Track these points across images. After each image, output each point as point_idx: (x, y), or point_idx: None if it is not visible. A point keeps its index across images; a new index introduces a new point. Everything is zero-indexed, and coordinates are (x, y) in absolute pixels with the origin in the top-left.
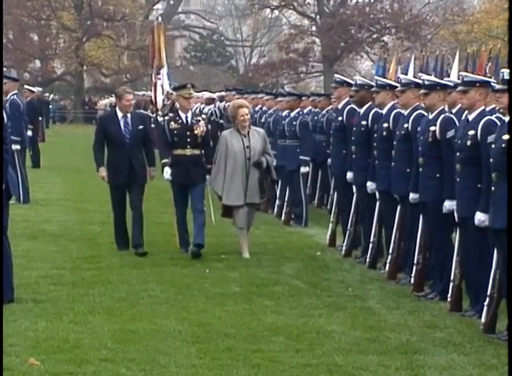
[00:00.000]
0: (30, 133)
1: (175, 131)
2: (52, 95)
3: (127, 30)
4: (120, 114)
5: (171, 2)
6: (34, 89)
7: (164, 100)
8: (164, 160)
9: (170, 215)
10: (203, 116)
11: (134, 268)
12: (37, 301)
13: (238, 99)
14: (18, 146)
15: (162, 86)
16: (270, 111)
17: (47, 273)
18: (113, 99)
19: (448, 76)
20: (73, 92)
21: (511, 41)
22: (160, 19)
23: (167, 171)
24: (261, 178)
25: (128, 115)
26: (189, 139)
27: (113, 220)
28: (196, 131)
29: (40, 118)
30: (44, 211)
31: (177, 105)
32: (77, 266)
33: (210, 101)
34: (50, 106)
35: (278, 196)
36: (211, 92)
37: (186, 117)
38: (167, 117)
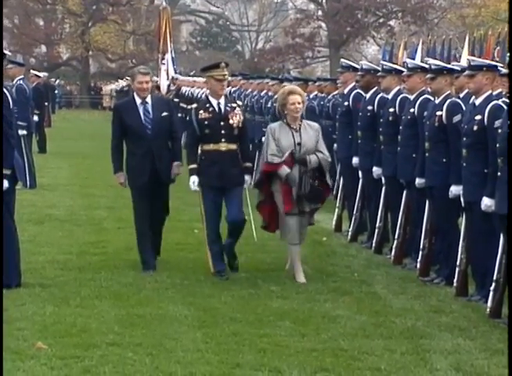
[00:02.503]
0: (36, 118)
1: (206, 122)
2: (58, 81)
3: (132, 15)
4: (138, 101)
5: None
6: (40, 74)
7: (169, 86)
8: (192, 166)
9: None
10: (239, 102)
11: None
12: (44, 286)
13: (244, 84)
14: (24, 132)
15: (167, 71)
16: (276, 96)
17: (54, 258)
18: (121, 84)
19: (456, 60)
20: (79, 78)
21: (511, 29)
22: (165, 3)
23: (194, 181)
24: (302, 176)
25: (148, 101)
26: (223, 131)
27: (136, 232)
28: (231, 121)
29: (46, 103)
30: (50, 196)
31: (204, 90)
32: (84, 251)
33: None
34: (56, 92)
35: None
36: None
37: (219, 104)
38: (194, 105)
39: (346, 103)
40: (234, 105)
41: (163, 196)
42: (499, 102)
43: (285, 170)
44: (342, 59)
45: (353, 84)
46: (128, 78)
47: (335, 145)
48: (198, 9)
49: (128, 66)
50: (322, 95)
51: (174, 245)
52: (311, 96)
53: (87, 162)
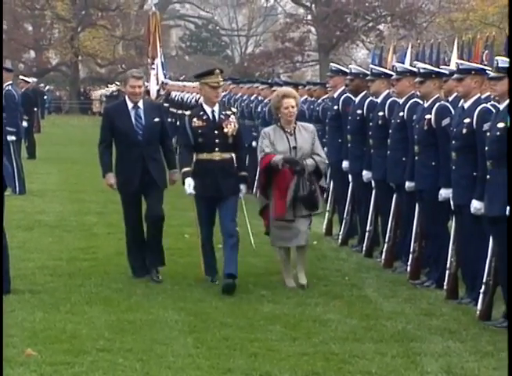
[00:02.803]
0: (25, 124)
1: (200, 131)
2: (47, 86)
3: (122, 20)
4: (130, 105)
5: None
6: (29, 80)
7: (159, 91)
8: (186, 169)
9: (192, 233)
10: (234, 109)
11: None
12: (34, 292)
13: (233, 88)
14: (13, 137)
15: (156, 76)
16: (266, 101)
17: (43, 264)
18: (110, 89)
19: (445, 64)
20: (69, 83)
21: (511, 31)
22: (154, 8)
23: (190, 184)
24: (300, 180)
25: (140, 105)
26: (217, 140)
27: (126, 238)
28: (226, 130)
29: (35, 109)
30: (40, 202)
31: (194, 95)
32: (74, 257)
33: None
34: (45, 97)
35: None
36: None
37: (213, 112)
38: (188, 113)
39: (336, 107)
40: (229, 112)
41: (157, 200)
42: (488, 105)
43: (278, 157)
44: (332, 64)
45: (343, 88)
46: (118, 83)
47: (325, 149)
48: (187, 14)
49: (118, 71)
50: (312, 99)
51: (165, 250)
52: (301, 100)
53: (76, 168)
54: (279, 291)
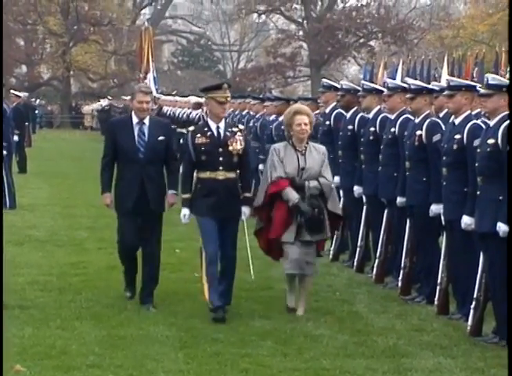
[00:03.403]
0: (16, 138)
1: (203, 148)
2: (38, 101)
3: (114, 35)
4: (135, 120)
5: (158, 7)
6: (21, 94)
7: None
8: (185, 196)
9: (183, 248)
10: (241, 126)
11: (122, 273)
12: (24, 308)
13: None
14: (4, 152)
15: None
16: (257, 116)
17: (34, 279)
18: (102, 103)
19: (436, 80)
20: (60, 97)
21: (511, 42)
22: (147, 23)
23: (185, 214)
24: (313, 209)
25: (146, 122)
26: (221, 158)
27: (120, 259)
28: (231, 148)
29: (26, 123)
30: (30, 217)
31: (206, 110)
32: (64, 272)
33: (197, 106)
34: (36, 111)
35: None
36: (199, 96)
37: (218, 129)
38: (191, 129)
39: (327, 123)
40: (235, 129)
41: (154, 231)
42: (478, 121)
43: (292, 193)
44: (323, 79)
45: (334, 103)
46: (110, 98)
47: None
48: (180, 29)
49: (110, 85)
50: None
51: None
52: None
53: (68, 182)
54: (271, 306)
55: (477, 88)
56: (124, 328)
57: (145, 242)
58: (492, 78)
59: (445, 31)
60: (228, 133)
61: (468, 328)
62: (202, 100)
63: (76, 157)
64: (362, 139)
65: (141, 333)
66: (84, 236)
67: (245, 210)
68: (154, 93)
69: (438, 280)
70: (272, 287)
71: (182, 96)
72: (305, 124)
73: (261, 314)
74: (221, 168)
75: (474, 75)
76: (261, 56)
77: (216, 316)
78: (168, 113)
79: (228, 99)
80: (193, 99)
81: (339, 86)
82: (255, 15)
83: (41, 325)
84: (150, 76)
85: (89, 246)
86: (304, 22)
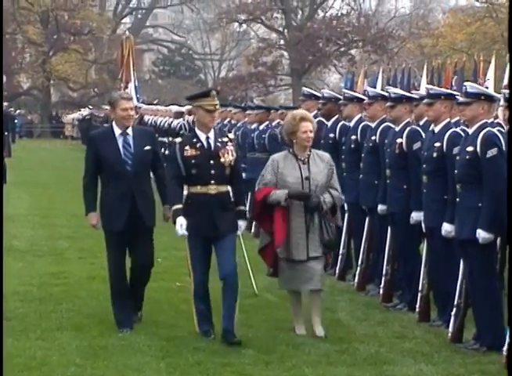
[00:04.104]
0: None
1: (193, 160)
2: (18, 110)
3: (94, 44)
4: (117, 131)
5: (139, 16)
6: None
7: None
8: (177, 207)
9: (165, 257)
10: (231, 135)
11: (102, 283)
12: (4, 319)
13: None
14: None
15: None
16: (239, 124)
17: (14, 290)
18: (83, 112)
19: (415, 89)
20: (40, 107)
21: (511, 48)
22: (127, 33)
23: (182, 224)
24: (321, 221)
25: (129, 132)
26: (213, 171)
27: (110, 285)
28: (222, 160)
29: (6, 133)
30: (11, 227)
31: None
32: (45, 282)
33: (178, 115)
34: (16, 121)
35: (248, 208)
36: (180, 105)
37: (208, 139)
38: (178, 140)
39: None
40: (225, 139)
41: (146, 244)
42: (458, 129)
43: (281, 192)
44: (304, 88)
45: (315, 112)
46: (91, 107)
47: None
48: (160, 38)
49: (90, 95)
50: None
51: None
52: (273, 124)
53: (48, 192)
54: (253, 314)
55: (456, 97)
56: (106, 338)
57: (137, 261)
58: (470, 87)
59: (425, 40)
60: (218, 144)
61: (449, 335)
62: (183, 109)
63: (56, 166)
64: (343, 148)
65: (122, 343)
66: (65, 245)
67: (241, 224)
68: (135, 102)
69: (419, 287)
70: (255, 296)
71: (163, 105)
72: (310, 131)
73: (243, 323)
74: (212, 181)
75: (453, 84)
76: (243, 65)
77: (207, 337)
78: (150, 122)
79: (217, 106)
80: (174, 108)
81: (319, 95)
82: (236, 24)
83: (21, 336)
84: (131, 85)
85: (70, 256)
86: (285, 31)
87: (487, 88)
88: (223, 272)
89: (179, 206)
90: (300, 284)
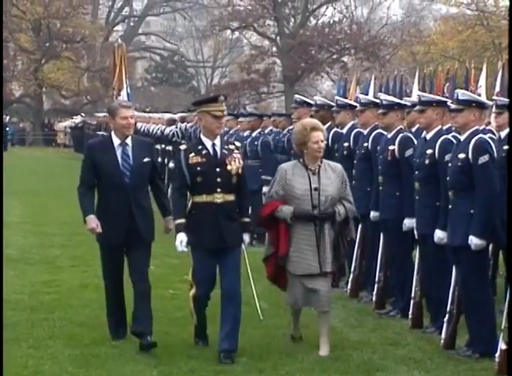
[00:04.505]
0: None
1: (199, 168)
2: (9, 118)
3: (87, 52)
4: (116, 141)
5: (131, 24)
6: None
7: None
8: (179, 221)
9: (157, 265)
10: (237, 143)
11: (95, 291)
12: None
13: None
14: None
15: None
16: (231, 131)
17: (5, 298)
18: (76, 120)
19: (407, 96)
20: (32, 115)
21: (511, 52)
22: (120, 40)
23: (182, 240)
24: (336, 236)
25: (129, 142)
26: (219, 179)
27: (106, 296)
28: (229, 167)
29: None
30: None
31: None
32: (37, 291)
33: (171, 122)
34: (7, 129)
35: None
36: (173, 113)
37: (214, 146)
38: (183, 147)
39: None
40: (231, 147)
41: (145, 260)
42: (449, 136)
43: (287, 208)
44: (296, 95)
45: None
46: (83, 115)
47: None
48: (153, 46)
49: (83, 102)
50: (277, 130)
51: (130, 283)
52: (266, 131)
53: (40, 200)
54: (246, 322)
55: (448, 104)
56: (98, 346)
57: (135, 276)
58: (461, 94)
59: (417, 47)
60: (225, 151)
61: (442, 341)
62: (176, 117)
63: (48, 174)
64: (336, 154)
65: (115, 351)
66: (57, 253)
67: (245, 237)
68: None
69: (412, 294)
70: (248, 303)
71: (156, 113)
72: (322, 141)
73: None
74: (218, 189)
75: (445, 91)
76: (235, 72)
77: (202, 345)
78: (142, 129)
79: (225, 112)
80: (167, 115)
81: (311, 102)
82: (228, 31)
83: (12, 345)
84: (124, 92)
85: (62, 264)
86: (278, 38)
87: (479, 95)
88: (226, 289)
89: (182, 220)
90: (307, 304)
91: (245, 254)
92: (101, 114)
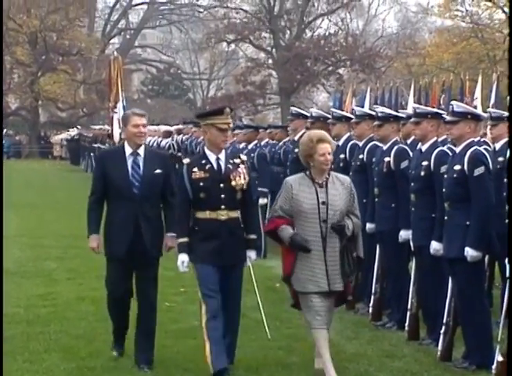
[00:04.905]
0: None
1: (201, 183)
2: (5, 131)
3: (83, 65)
4: (128, 150)
5: (128, 37)
6: None
7: (121, 134)
8: (182, 240)
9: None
10: (243, 157)
11: (91, 304)
12: None
13: (195, 131)
14: None
15: (119, 120)
16: (227, 144)
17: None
18: (72, 133)
19: (403, 108)
20: (28, 127)
21: (511, 57)
22: (116, 53)
23: (184, 261)
24: (343, 251)
25: (141, 152)
26: (223, 195)
27: (108, 310)
28: (234, 183)
29: None
30: None
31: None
32: (32, 304)
33: (167, 134)
34: (4, 142)
35: None
36: (169, 125)
37: (218, 160)
38: (186, 161)
39: (296, 150)
40: (237, 161)
41: (151, 276)
42: (445, 148)
43: (287, 230)
44: (292, 107)
45: (303, 131)
46: (80, 127)
47: None
48: (149, 58)
49: (79, 115)
50: (274, 142)
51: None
52: (262, 143)
53: (36, 212)
54: (242, 334)
55: (443, 116)
56: (94, 359)
57: (140, 293)
58: (457, 106)
59: (412, 59)
60: (229, 166)
61: (438, 353)
62: (172, 129)
63: (44, 186)
64: (332, 166)
65: (111, 364)
66: (53, 266)
67: (250, 254)
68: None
69: (408, 306)
70: (245, 315)
71: (152, 125)
72: (329, 154)
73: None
74: (223, 206)
75: (441, 102)
76: (231, 84)
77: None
78: None
79: (231, 125)
80: (163, 127)
81: (307, 114)
82: (224, 44)
83: (8, 358)
84: (120, 105)
85: (58, 277)
86: (273, 50)
87: (475, 106)
88: (225, 307)
89: (185, 239)
90: (318, 325)
91: (251, 272)
92: (97, 127)
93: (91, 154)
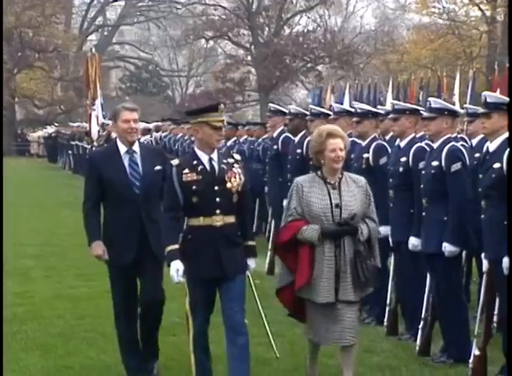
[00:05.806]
0: None
1: (194, 187)
2: None
3: (60, 62)
4: (122, 148)
5: (105, 33)
6: None
7: (99, 131)
8: (172, 248)
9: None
10: (237, 156)
11: (69, 302)
12: None
13: (174, 129)
14: None
15: (97, 117)
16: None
17: None
18: (49, 130)
19: (381, 104)
20: (5, 125)
21: (511, 55)
22: (93, 50)
23: (179, 269)
24: (356, 256)
25: (136, 149)
26: (218, 199)
27: (116, 325)
28: (229, 185)
29: None
30: None
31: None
32: (9, 302)
33: (146, 131)
34: None
35: None
36: (147, 122)
37: (211, 161)
38: (175, 162)
39: (275, 147)
40: (231, 160)
41: (155, 277)
42: (423, 144)
43: (312, 227)
44: (270, 104)
45: (281, 128)
46: (57, 125)
47: (266, 188)
48: (127, 55)
49: (56, 112)
50: (252, 138)
51: (105, 293)
52: (241, 140)
53: (13, 210)
54: (221, 331)
55: (421, 112)
56: (72, 358)
57: (144, 298)
58: (434, 102)
59: (390, 56)
60: (223, 166)
61: (417, 348)
62: (151, 126)
63: (21, 184)
64: (310, 163)
65: (89, 362)
66: (30, 264)
67: (250, 263)
68: (101, 119)
69: (387, 301)
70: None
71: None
72: (341, 150)
73: (212, 339)
74: (218, 211)
75: (420, 99)
76: (210, 81)
77: None
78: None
79: (225, 123)
80: (142, 124)
81: (286, 110)
82: (203, 40)
83: None
84: (98, 102)
85: (35, 274)
86: (252, 47)
87: (454, 103)
88: (230, 323)
89: (175, 246)
90: (329, 339)
91: (251, 282)
92: (75, 124)
93: (69, 152)
